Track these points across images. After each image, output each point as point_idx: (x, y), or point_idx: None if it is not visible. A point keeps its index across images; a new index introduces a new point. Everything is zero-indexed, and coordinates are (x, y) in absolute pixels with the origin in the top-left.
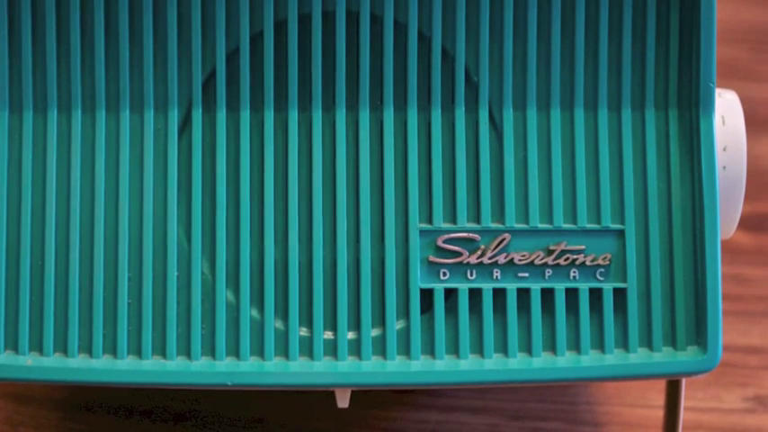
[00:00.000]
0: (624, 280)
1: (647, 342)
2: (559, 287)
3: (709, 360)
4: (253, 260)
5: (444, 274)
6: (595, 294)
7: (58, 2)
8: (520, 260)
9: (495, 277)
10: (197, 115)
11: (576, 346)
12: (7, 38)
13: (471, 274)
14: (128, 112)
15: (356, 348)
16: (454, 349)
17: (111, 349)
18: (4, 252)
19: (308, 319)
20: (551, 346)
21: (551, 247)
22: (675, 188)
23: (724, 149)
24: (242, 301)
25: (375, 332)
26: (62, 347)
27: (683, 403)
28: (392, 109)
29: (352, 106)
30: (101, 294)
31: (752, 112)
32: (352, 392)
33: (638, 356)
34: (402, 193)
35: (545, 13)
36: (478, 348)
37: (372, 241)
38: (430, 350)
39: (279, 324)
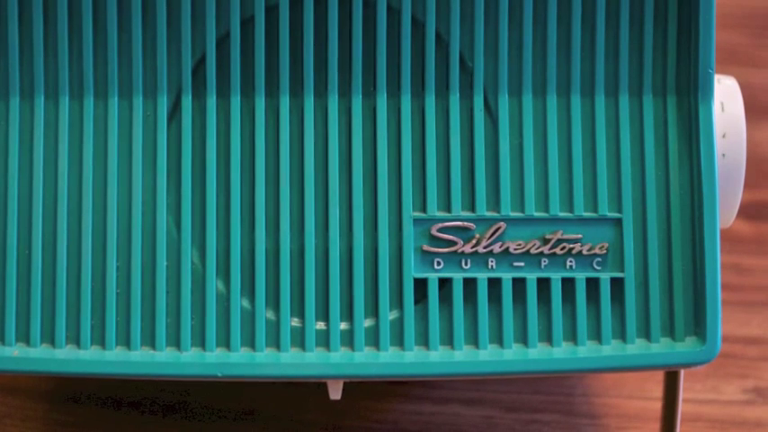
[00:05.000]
0: (621, 269)
1: (645, 333)
2: (555, 277)
3: (708, 351)
4: (243, 249)
5: (438, 263)
6: (592, 284)
7: None
8: (515, 249)
9: (490, 267)
10: (186, 101)
11: (572, 336)
12: None
13: (466, 264)
14: (116, 98)
15: (349, 339)
16: (448, 340)
17: (100, 340)
18: None
19: (299, 310)
20: (547, 336)
21: (547, 236)
22: (674, 176)
23: (723, 136)
24: (232, 291)
25: (368, 323)
26: (49, 338)
27: (681, 395)
28: (385, 95)
29: (345, 92)
30: (89, 284)
31: (751, 98)
32: (345, 384)
33: (636, 347)
34: (395, 180)
35: None
36: (473, 339)
37: (365, 230)
38: (424, 341)
39: (270, 314)
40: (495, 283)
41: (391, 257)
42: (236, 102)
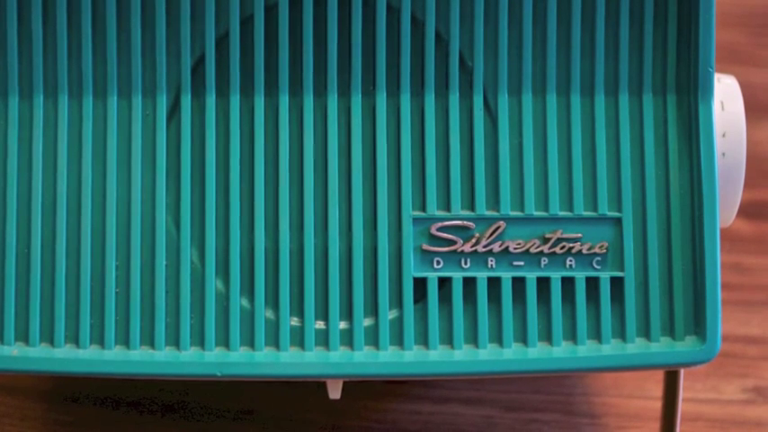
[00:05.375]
0: (621, 269)
1: (645, 332)
2: (555, 276)
3: (708, 350)
4: (243, 248)
5: (438, 262)
6: (592, 283)
7: None
8: (515, 248)
9: (489, 266)
10: (186, 101)
11: (572, 336)
12: None
13: (465, 263)
14: (115, 97)
15: (348, 338)
16: (448, 339)
17: (99, 339)
18: None
19: (299, 309)
20: (547, 336)
21: (547, 236)
22: (674, 175)
23: (723, 135)
24: (232, 290)
25: (367, 322)
26: (48, 337)
27: (681, 394)
28: (385, 94)
29: (344, 91)
30: (88, 283)
31: (751, 97)
32: (344, 383)
33: (636, 346)
34: (395, 180)
35: None
36: (473, 338)
37: (365, 229)
38: (423, 340)
39: (269, 314)
40: (494, 283)
41: (391, 257)
42: (235, 101)
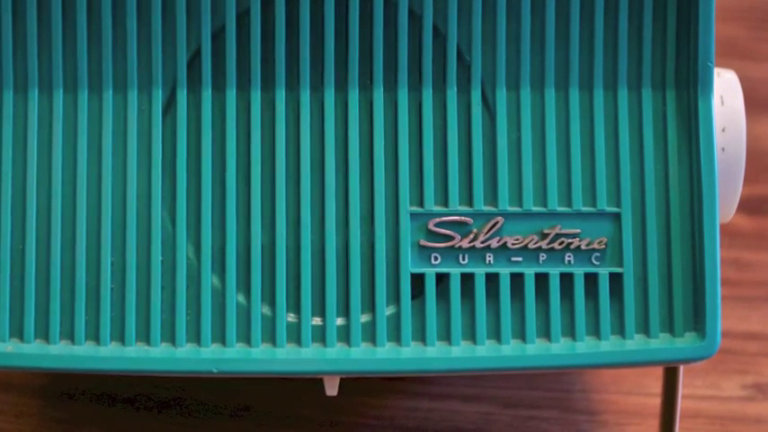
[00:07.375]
0: (620, 264)
1: (644, 328)
2: (554, 272)
3: (708, 347)
4: (239, 244)
5: (436, 258)
6: (591, 279)
7: None
8: (513, 244)
9: (487, 262)
10: (182, 95)
11: (570, 332)
12: None
13: (463, 259)
14: (111, 92)
15: (345, 335)
16: (446, 335)
17: (94, 335)
18: None
19: (295, 305)
20: (545, 332)
21: (545, 231)
22: (673, 170)
23: (723, 130)
24: (228, 286)
25: (364, 318)
26: (43, 334)
27: (680, 391)
28: (382, 89)
29: (342, 86)
30: (83, 279)
31: (751, 91)
32: (341, 380)
33: (635, 343)
34: (392, 175)
35: None
36: (471, 335)
37: (362, 225)
38: (421, 336)
39: (266, 310)
40: (492, 279)
41: (388, 252)
42: (231, 96)
